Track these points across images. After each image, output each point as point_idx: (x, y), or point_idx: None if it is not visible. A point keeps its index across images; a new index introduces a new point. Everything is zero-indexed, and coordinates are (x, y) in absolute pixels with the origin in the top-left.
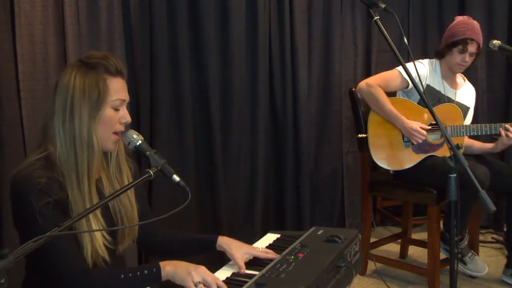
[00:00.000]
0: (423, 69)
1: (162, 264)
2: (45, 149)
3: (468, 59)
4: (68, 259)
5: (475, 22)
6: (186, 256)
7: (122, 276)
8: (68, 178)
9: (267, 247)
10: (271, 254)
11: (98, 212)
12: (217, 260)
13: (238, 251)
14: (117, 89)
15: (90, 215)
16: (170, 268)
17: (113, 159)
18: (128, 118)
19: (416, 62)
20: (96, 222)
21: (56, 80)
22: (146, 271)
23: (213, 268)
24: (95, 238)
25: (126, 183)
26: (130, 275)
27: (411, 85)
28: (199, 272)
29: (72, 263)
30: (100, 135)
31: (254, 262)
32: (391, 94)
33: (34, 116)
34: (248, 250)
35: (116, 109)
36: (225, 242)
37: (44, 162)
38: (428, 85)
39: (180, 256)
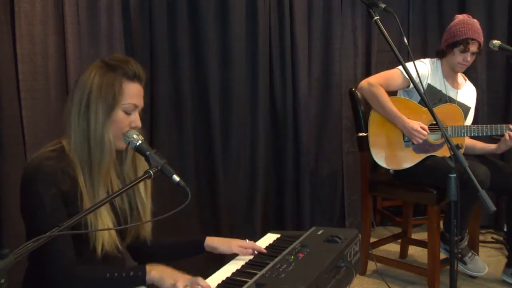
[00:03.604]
0: (425, 68)
1: (148, 268)
2: (59, 141)
3: (470, 59)
4: (57, 254)
5: (476, 21)
6: (176, 260)
7: (108, 275)
8: (80, 172)
9: (267, 247)
10: (257, 246)
11: (107, 206)
12: (217, 259)
13: (231, 243)
14: (131, 93)
15: (103, 206)
16: (155, 273)
17: (129, 159)
18: (138, 124)
19: (418, 61)
20: (107, 212)
21: (77, 77)
22: (131, 273)
23: (213, 268)
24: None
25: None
26: (116, 274)
27: (412, 84)
28: (185, 280)
29: (61, 258)
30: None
31: (254, 262)
32: (392, 93)
33: (34, 116)
34: (237, 242)
35: (128, 113)
36: (213, 241)
37: (57, 153)
38: (429, 84)
39: (170, 260)
